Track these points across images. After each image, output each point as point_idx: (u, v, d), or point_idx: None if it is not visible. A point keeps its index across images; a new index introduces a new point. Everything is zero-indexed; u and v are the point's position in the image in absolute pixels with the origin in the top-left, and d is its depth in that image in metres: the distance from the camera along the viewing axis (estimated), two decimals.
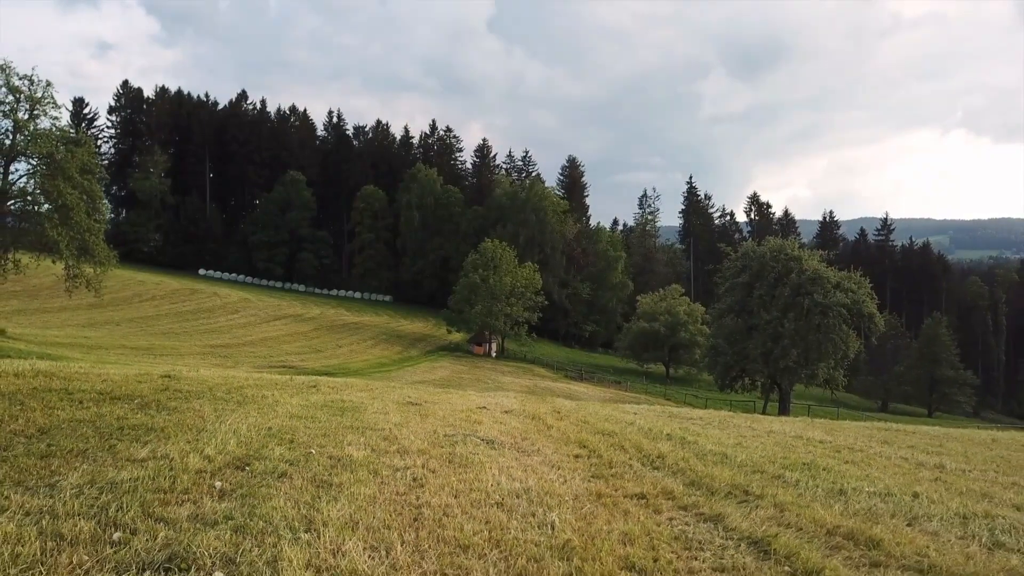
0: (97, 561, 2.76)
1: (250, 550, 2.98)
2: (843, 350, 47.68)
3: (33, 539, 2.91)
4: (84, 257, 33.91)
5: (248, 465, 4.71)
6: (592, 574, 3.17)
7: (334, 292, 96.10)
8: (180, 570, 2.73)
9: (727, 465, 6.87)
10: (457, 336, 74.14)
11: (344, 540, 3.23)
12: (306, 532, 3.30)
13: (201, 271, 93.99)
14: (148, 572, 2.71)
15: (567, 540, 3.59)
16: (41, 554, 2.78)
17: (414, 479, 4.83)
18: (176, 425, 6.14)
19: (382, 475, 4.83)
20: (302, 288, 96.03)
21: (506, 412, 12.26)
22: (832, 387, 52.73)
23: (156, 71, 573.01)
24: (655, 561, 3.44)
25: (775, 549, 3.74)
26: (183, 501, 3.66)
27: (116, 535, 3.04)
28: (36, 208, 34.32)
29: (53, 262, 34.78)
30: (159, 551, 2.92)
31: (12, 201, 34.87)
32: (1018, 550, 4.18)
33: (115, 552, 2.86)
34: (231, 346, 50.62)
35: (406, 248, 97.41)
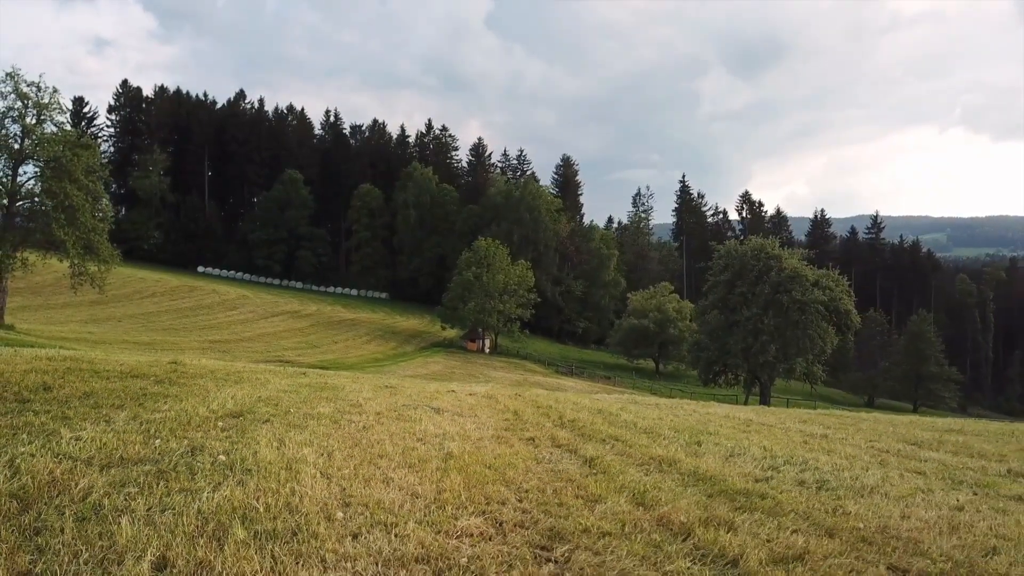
0: (149, 449, 4.52)
1: (240, 448, 4.71)
2: (820, 345, 49.47)
3: (111, 437, 4.67)
4: (89, 255, 35.61)
5: (241, 416, 6.43)
6: (457, 466, 4.91)
7: (331, 289, 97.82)
8: (200, 453, 4.49)
9: (628, 428, 8.60)
10: (451, 333, 75.92)
11: (301, 448, 4.95)
12: (277, 444, 5.02)
13: (200, 268, 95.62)
14: (176, 449, 4.49)
15: (451, 452, 5.35)
16: (115, 445, 4.53)
17: (364, 427, 6.55)
18: (186, 393, 7.86)
19: (340, 424, 6.56)
20: (300, 285, 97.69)
21: (471, 395, 13.98)
22: (811, 381, 54.55)
23: (154, 68, 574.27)
24: (508, 465, 5.17)
25: (597, 463, 5.47)
26: (196, 430, 5.37)
27: (157, 441, 4.78)
28: (43, 208, 35.98)
29: (60, 260, 36.46)
30: (185, 446, 4.68)
31: (21, 202, 36.56)
32: (779, 471, 5.91)
33: (159, 445, 4.63)
34: (229, 341, 52.32)
35: (403, 246, 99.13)
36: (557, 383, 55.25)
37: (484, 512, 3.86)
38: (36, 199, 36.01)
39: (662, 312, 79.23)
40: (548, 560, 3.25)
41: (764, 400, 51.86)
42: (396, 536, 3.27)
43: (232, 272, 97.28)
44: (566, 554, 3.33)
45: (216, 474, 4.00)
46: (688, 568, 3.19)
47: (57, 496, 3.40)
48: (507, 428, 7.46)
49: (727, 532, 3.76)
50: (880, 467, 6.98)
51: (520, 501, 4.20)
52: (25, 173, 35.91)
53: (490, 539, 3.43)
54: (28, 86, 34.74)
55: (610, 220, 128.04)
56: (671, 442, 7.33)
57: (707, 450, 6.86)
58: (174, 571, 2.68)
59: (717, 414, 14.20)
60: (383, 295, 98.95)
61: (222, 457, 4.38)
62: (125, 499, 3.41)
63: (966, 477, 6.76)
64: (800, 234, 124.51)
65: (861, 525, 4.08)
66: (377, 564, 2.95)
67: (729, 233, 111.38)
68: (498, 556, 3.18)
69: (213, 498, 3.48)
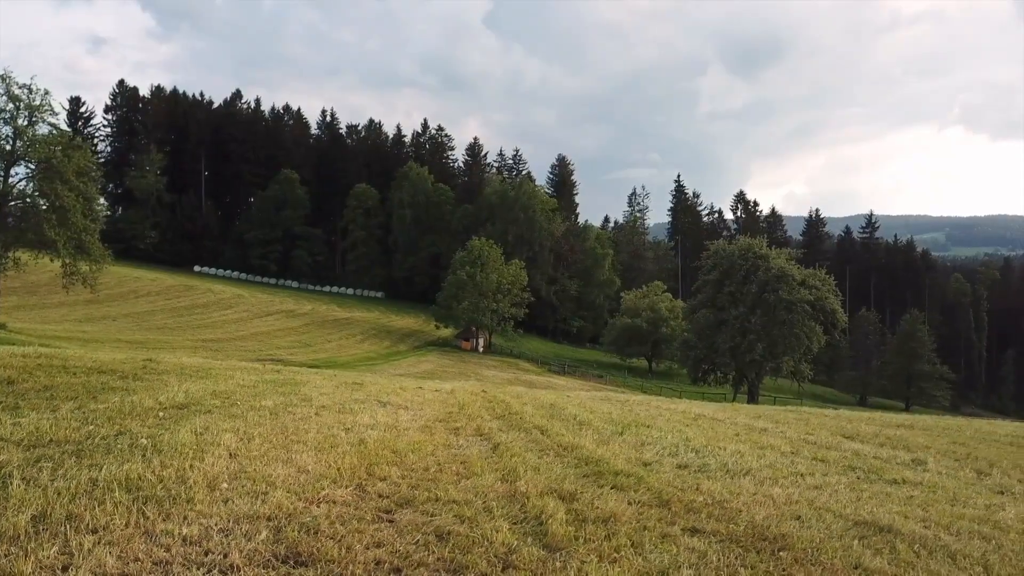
0: (79, 434, 5.05)
1: (161, 434, 5.21)
2: (806, 344, 50.02)
3: (48, 423, 5.21)
4: (80, 255, 36.19)
5: (187, 407, 6.92)
6: (361, 450, 5.42)
7: (327, 288, 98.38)
8: (124, 436, 5.01)
9: (562, 421, 9.10)
10: (446, 332, 76.52)
11: (223, 434, 5.45)
12: (202, 430, 5.52)
13: (196, 268, 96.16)
14: (105, 434, 5.01)
15: (363, 439, 5.87)
16: (47, 429, 5.06)
17: (301, 418, 7.04)
18: (144, 388, 8.35)
19: (279, 415, 7.05)
20: (296, 285, 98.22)
21: (436, 391, 14.47)
22: (799, 379, 55.12)
23: (152, 66, 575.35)
24: (414, 450, 5.69)
25: (501, 448, 5.99)
26: (135, 419, 5.87)
27: (90, 427, 5.29)
28: (35, 209, 36.54)
29: (51, 260, 37.02)
30: (113, 431, 5.20)
31: (13, 202, 37.12)
32: (675, 457, 6.43)
33: (91, 431, 5.15)
34: (223, 340, 52.83)
35: (398, 245, 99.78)
36: (548, 382, 55.73)
37: (358, 485, 4.37)
38: (28, 200, 36.56)
39: (655, 311, 79.80)
40: (384, 520, 3.76)
41: (752, 398, 52.38)
42: (261, 501, 3.78)
43: (228, 271, 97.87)
44: (403, 516, 3.83)
45: (129, 453, 4.51)
46: (498, 526, 3.68)
47: None
48: (441, 420, 7.97)
49: (561, 500, 4.27)
50: (787, 456, 7.48)
51: (401, 478, 4.71)
52: (17, 174, 36.52)
53: (346, 505, 3.94)
54: (20, 88, 35.35)
55: (606, 219, 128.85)
56: (595, 432, 7.83)
57: (624, 440, 7.36)
58: (49, 522, 3.20)
59: (675, 410, 14.69)
60: (379, 294, 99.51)
61: (143, 440, 4.88)
62: (36, 471, 3.92)
63: (864, 464, 7.26)
64: (798, 233, 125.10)
65: (700, 499, 4.58)
66: (228, 521, 3.46)
67: (724, 232, 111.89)
68: (341, 516, 3.68)
69: (112, 471, 3.99)
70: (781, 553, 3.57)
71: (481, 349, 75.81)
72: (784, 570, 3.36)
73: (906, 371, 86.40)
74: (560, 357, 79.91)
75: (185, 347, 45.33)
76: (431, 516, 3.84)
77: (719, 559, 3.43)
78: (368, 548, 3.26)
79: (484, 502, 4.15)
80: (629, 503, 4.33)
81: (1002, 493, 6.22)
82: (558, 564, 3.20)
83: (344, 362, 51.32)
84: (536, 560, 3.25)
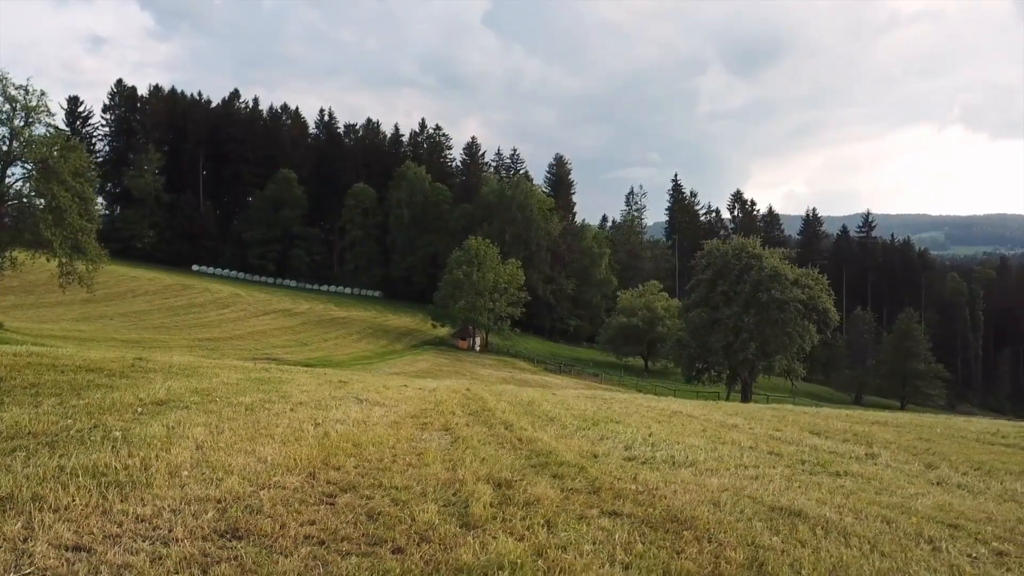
0: (57, 427, 5.39)
1: (135, 427, 5.56)
2: (799, 343, 50.39)
3: (28, 418, 5.56)
4: (76, 255, 36.49)
5: (166, 403, 7.26)
6: (323, 443, 5.77)
7: (325, 288, 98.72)
8: (98, 429, 5.35)
9: (532, 417, 9.44)
10: (442, 331, 76.85)
11: (194, 427, 5.79)
12: (174, 424, 5.86)
13: (195, 267, 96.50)
14: (80, 427, 5.35)
15: (327, 433, 6.22)
16: (26, 423, 5.41)
17: (275, 413, 7.38)
18: (128, 385, 8.68)
19: (254, 411, 7.39)
20: (293, 284, 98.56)
21: (419, 389, 14.82)
22: (792, 378, 55.54)
23: (151, 66, 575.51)
24: (376, 443, 6.02)
25: (460, 442, 6.33)
26: (113, 414, 6.21)
27: (68, 421, 5.64)
28: (32, 209, 36.84)
29: (47, 260, 37.35)
30: (90, 424, 5.55)
31: (10, 202, 37.43)
32: (628, 450, 6.76)
33: (68, 424, 5.50)
34: (219, 340, 53.16)
35: (396, 245, 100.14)
36: (543, 380, 56.05)
37: (310, 473, 4.72)
38: (24, 200, 36.88)
39: (651, 310, 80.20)
40: (325, 503, 4.11)
41: (745, 397, 52.74)
42: (215, 486, 4.12)
43: (226, 271, 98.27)
44: (343, 500, 4.18)
45: (100, 444, 4.85)
46: (426, 508, 4.02)
47: None
48: (413, 415, 8.31)
49: (495, 487, 4.61)
50: (744, 450, 7.82)
51: (355, 467, 5.06)
52: (13, 175, 36.83)
53: (294, 490, 4.28)
54: (16, 89, 35.62)
55: (604, 219, 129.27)
56: (560, 427, 8.18)
57: (586, 434, 7.72)
58: (15, 502, 3.54)
59: (652, 407, 15.04)
60: (376, 294, 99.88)
61: (116, 433, 5.22)
62: (9, 460, 4.27)
63: (816, 458, 7.59)
64: (796, 233, 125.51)
65: (632, 487, 4.92)
66: (179, 502, 3.81)
67: (722, 232, 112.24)
68: (285, 499, 4.03)
69: (80, 459, 4.33)
70: (684, 532, 3.90)
71: (478, 348, 76.15)
72: (680, 546, 3.70)
73: (901, 370, 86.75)
74: (557, 356, 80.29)
75: (181, 346, 45.64)
76: (368, 499, 4.19)
77: (623, 537, 3.77)
78: (302, 525, 3.62)
79: (422, 488, 4.50)
80: (561, 490, 4.67)
81: (937, 484, 6.55)
82: (469, 539, 3.55)
83: (339, 361, 51.62)
84: (450, 536, 3.60)
